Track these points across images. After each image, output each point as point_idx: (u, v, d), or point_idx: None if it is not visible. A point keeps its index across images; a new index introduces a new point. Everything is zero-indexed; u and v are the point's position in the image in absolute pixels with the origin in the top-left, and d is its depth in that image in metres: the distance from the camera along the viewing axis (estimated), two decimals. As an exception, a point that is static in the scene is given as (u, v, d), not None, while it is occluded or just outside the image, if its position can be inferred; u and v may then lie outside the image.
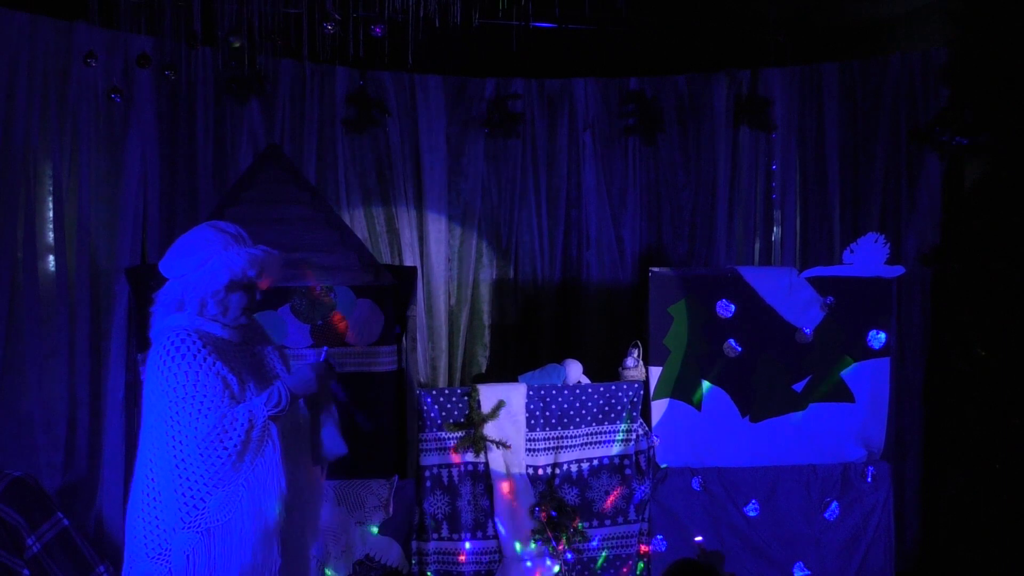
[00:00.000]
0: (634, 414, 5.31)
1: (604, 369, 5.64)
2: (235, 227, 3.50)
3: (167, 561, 3.30)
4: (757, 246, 6.58)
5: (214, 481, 3.27)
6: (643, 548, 5.29)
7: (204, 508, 3.28)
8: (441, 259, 6.45)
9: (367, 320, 5.00)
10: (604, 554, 5.26)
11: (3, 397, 5.25)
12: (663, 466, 5.32)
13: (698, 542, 5.23)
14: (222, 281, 3.37)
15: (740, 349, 5.32)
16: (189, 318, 3.38)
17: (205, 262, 3.37)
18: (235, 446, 3.27)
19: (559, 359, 5.56)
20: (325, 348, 3.68)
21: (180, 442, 3.28)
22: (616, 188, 6.60)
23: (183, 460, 3.28)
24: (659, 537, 5.28)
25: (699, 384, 5.34)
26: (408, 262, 6.32)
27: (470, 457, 5.16)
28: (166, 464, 3.30)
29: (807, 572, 5.33)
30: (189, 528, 3.28)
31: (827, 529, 5.35)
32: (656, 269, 5.39)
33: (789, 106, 6.44)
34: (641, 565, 5.30)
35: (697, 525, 5.28)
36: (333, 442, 3.61)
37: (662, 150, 6.60)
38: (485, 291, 6.58)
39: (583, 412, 5.24)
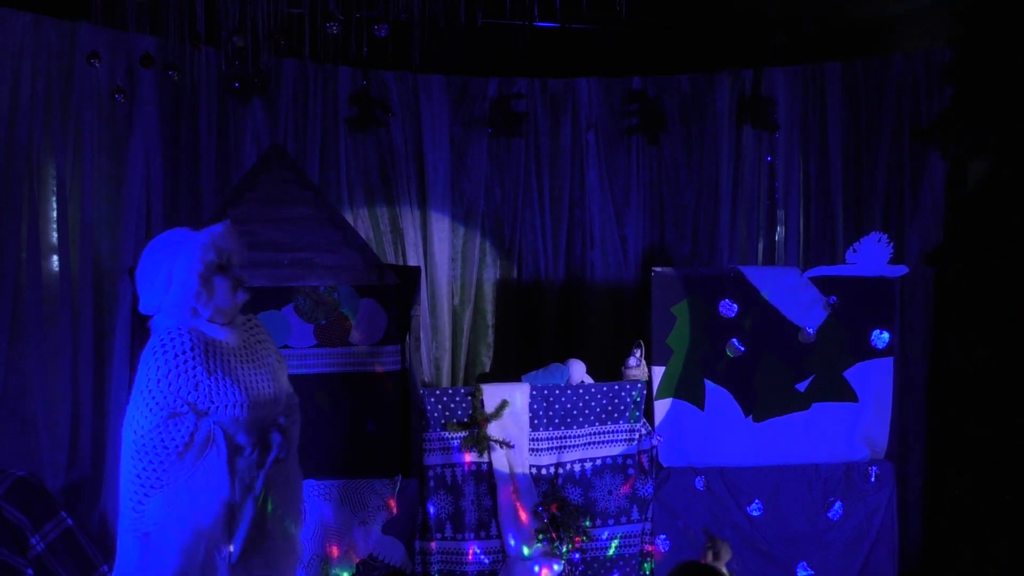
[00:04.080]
0: (637, 414, 5.31)
1: (607, 369, 5.65)
2: (181, 230, 3.49)
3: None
4: (760, 246, 6.57)
5: (151, 482, 3.24)
6: (646, 548, 5.30)
7: (143, 511, 3.26)
8: (445, 259, 6.46)
9: (371, 320, 5.01)
10: (607, 554, 5.26)
11: (7, 397, 5.25)
12: (666, 466, 5.32)
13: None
14: (193, 283, 3.35)
15: (743, 349, 5.33)
16: (184, 319, 3.37)
17: (169, 280, 3.35)
18: (176, 446, 3.25)
19: (562, 359, 5.56)
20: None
21: (131, 438, 3.28)
22: (619, 187, 6.61)
23: (130, 455, 3.27)
24: (662, 537, 5.28)
25: (702, 384, 5.34)
26: (412, 262, 6.33)
27: (474, 457, 5.16)
28: (124, 462, 3.32)
29: (810, 572, 5.33)
30: (131, 531, 3.28)
31: (830, 529, 5.35)
32: (659, 269, 5.39)
33: (792, 106, 6.44)
34: (645, 565, 5.30)
35: (700, 525, 5.28)
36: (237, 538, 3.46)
37: (665, 150, 6.60)
38: (489, 290, 6.58)
39: (586, 412, 5.24)
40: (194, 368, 3.29)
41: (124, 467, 3.32)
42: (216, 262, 3.39)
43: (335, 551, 4.89)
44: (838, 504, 5.35)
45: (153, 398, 3.26)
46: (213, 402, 3.31)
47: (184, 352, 3.29)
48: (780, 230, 6.56)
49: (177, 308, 3.36)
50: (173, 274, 3.35)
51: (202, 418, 3.30)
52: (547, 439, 5.22)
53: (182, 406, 3.28)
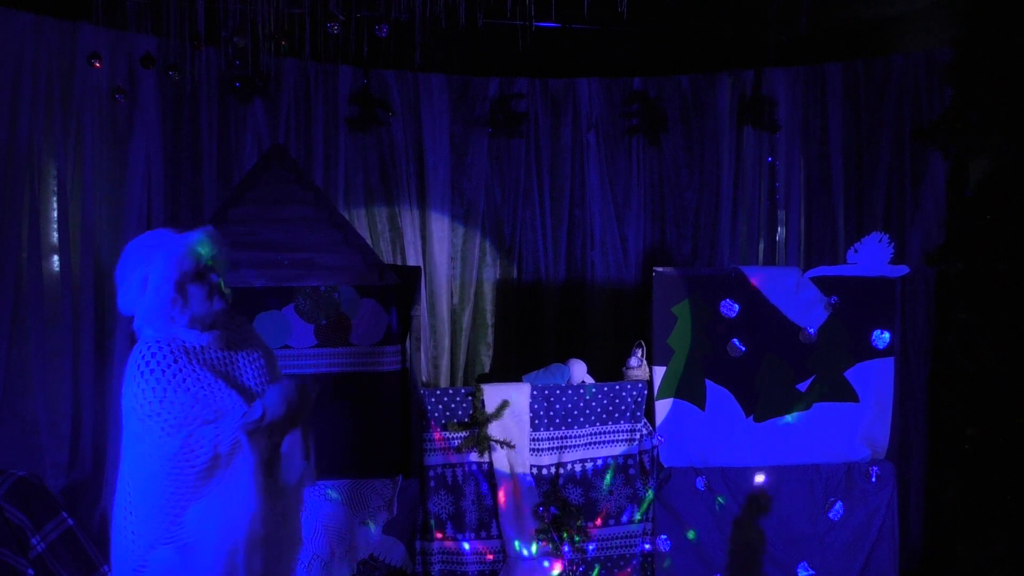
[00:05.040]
0: (638, 414, 5.31)
1: (608, 369, 5.64)
2: (161, 231, 3.39)
3: None
4: (761, 246, 6.58)
5: (186, 497, 3.22)
6: (647, 548, 5.30)
7: (181, 523, 3.23)
8: (444, 258, 6.46)
9: (370, 320, 5.01)
10: (608, 554, 5.26)
11: (8, 397, 5.26)
12: (667, 466, 5.32)
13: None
14: (169, 290, 3.27)
15: (744, 349, 5.32)
16: (160, 329, 3.30)
17: (144, 283, 3.27)
18: (203, 463, 3.22)
19: (563, 359, 5.56)
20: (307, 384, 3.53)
21: (151, 458, 3.23)
22: (620, 188, 6.61)
23: (155, 476, 3.23)
24: (663, 537, 5.28)
25: (703, 384, 5.34)
26: (411, 262, 6.33)
27: (474, 457, 5.16)
28: (141, 479, 3.26)
29: (811, 572, 5.32)
30: (168, 544, 3.24)
31: (831, 529, 5.34)
32: (660, 269, 5.39)
33: (793, 106, 6.44)
34: (645, 565, 5.30)
35: (701, 525, 5.29)
36: (288, 468, 3.47)
37: (666, 150, 6.60)
38: (488, 290, 6.58)
39: (587, 412, 5.24)
40: (184, 381, 3.23)
41: (148, 487, 3.24)
42: (192, 271, 3.30)
43: (335, 551, 4.89)
44: (839, 504, 5.34)
45: (165, 421, 3.20)
46: (216, 412, 3.28)
47: (169, 367, 3.22)
48: (781, 230, 6.56)
49: (153, 313, 3.28)
50: (149, 278, 3.27)
51: (222, 429, 3.26)
52: (548, 439, 5.22)
53: (193, 421, 3.23)
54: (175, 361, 3.24)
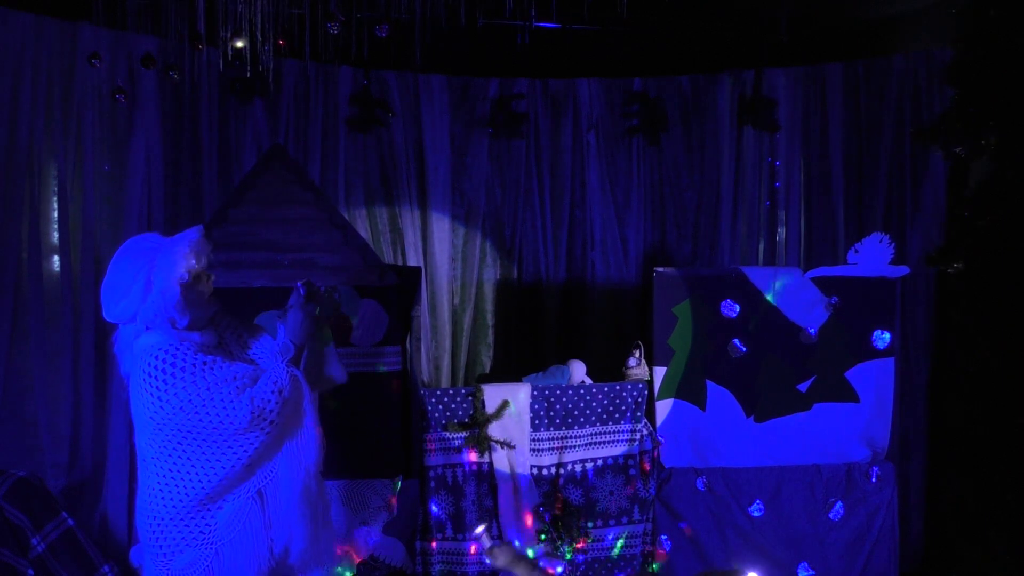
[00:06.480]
0: (638, 414, 5.30)
1: (608, 369, 5.64)
2: (151, 235, 3.36)
3: None
4: (761, 246, 6.58)
5: (272, 439, 3.22)
6: (648, 548, 5.29)
7: (215, 524, 3.20)
8: (445, 259, 6.46)
9: (371, 320, 5.00)
10: (609, 554, 5.26)
11: (8, 398, 5.25)
12: (667, 466, 5.32)
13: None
14: (175, 292, 3.19)
15: (744, 349, 5.32)
16: (167, 333, 3.22)
17: (148, 287, 3.18)
18: (276, 412, 3.20)
19: (563, 359, 5.56)
20: (298, 283, 3.58)
21: (217, 437, 3.16)
22: (620, 188, 6.61)
23: (220, 453, 3.18)
24: (663, 537, 5.28)
25: (703, 384, 5.34)
26: (412, 262, 6.33)
27: (474, 457, 5.16)
28: (180, 481, 3.21)
29: (811, 572, 5.33)
30: (245, 495, 3.23)
31: (831, 529, 5.35)
32: (661, 269, 5.39)
33: (793, 106, 6.44)
34: (646, 565, 5.30)
35: (701, 525, 5.29)
36: (333, 368, 3.67)
37: (666, 150, 6.60)
38: (489, 291, 6.58)
39: (587, 412, 5.24)
40: (215, 362, 3.20)
41: (188, 486, 3.21)
42: (197, 270, 3.24)
43: (337, 551, 4.89)
44: (839, 505, 5.34)
45: (222, 401, 3.14)
46: (255, 372, 3.28)
47: (197, 357, 3.18)
48: (781, 231, 6.56)
49: (157, 317, 3.20)
50: (153, 281, 3.18)
51: (268, 373, 3.27)
52: (548, 439, 5.22)
53: (244, 384, 3.19)
54: (195, 354, 3.20)
